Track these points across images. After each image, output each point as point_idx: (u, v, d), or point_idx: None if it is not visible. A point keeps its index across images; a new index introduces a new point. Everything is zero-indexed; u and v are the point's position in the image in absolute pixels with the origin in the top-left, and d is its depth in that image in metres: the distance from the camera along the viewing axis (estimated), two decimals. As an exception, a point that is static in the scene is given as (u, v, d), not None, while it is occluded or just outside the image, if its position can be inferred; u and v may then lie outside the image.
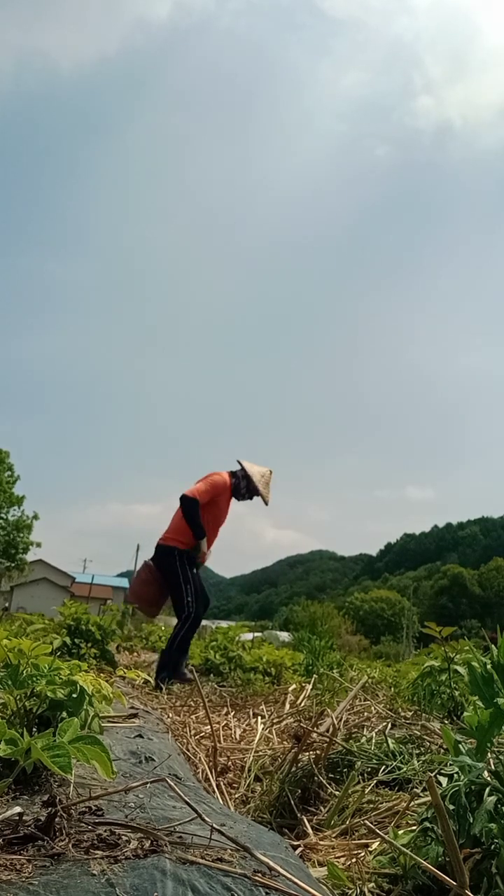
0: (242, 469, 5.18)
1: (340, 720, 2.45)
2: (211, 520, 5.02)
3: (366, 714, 2.90)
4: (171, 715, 3.15)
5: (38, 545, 35.71)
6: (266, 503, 5.29)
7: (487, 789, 1.22)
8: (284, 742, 2.51)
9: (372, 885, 1.26)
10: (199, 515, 4.89)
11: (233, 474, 5.20)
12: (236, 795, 2.02)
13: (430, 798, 1.21)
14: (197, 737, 2.68)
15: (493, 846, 1.15)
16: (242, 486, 5.14)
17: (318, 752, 2.10)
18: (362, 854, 1.42)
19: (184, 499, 4.91)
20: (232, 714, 3.32)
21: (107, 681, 1.80)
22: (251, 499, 5.23)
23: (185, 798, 1.13)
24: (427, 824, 1.28)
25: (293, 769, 2.01)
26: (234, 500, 5.24)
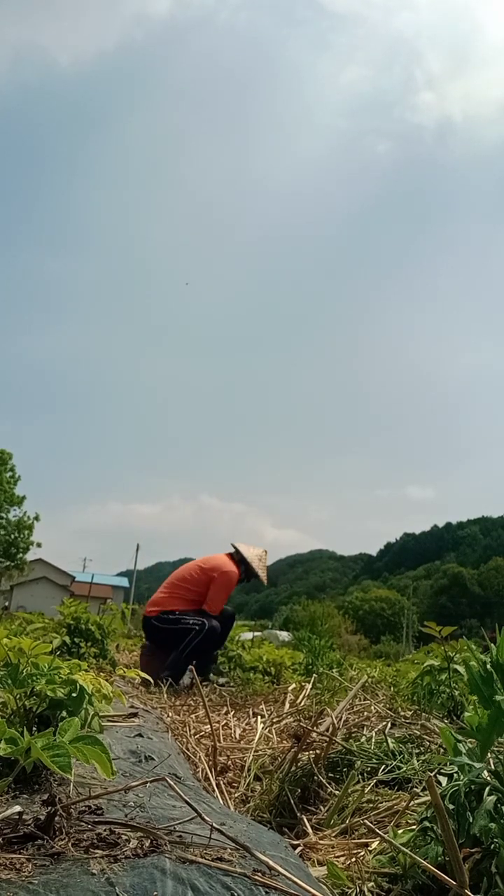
0: (239, 553, 5.34)
1: (340, 720, 2.45)
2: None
3: (365, 713, 2.90)
4: (170, 714, 3.15)
5: (39, 545, 35.73)
6: (265, 583, 5.50)
7: (487, 789, 1.22)
8: (284, 741, 2.51)
9: (371, 884, 1.26)
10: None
11: (233, 559, 5.34)
12: (236, 795, 2.02)
13: (429, 797, 1.21)
14: (197, 736, 2.68)
15: (492, 846, 1.15)
16: (242, 570, 5.30)
17: (317, 751, 2.10)
18: (362, 853, 1.42)
19: (216, 618, 5.04)
20: (232, 713, 3.32)
21: (106, 680, 1.80)
22: (249, 581, 5.42)
23: (185, 797, 1.13)
24: (427, 824, 1.28)
25: (293, 768, 2.01)
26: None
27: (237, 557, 5.31)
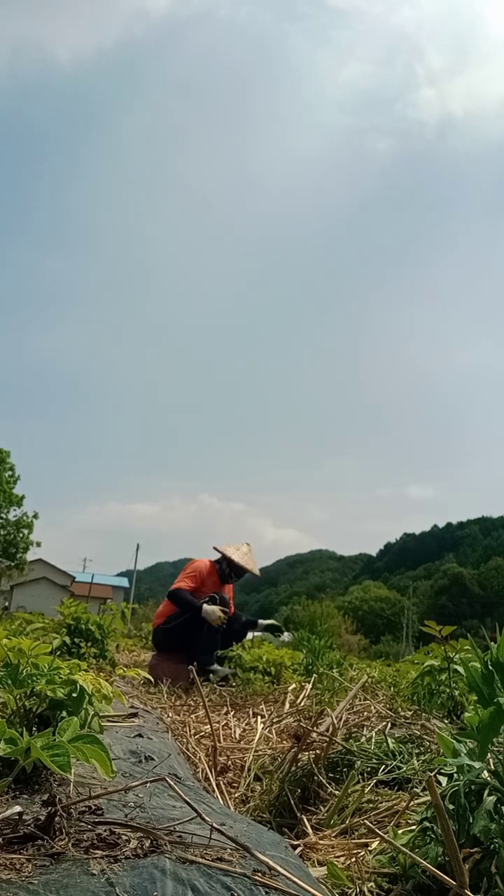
0: (221, 555, 5.42)
1: (340, 720, 2.45)
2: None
3: (365, 713, 2.90)
4: (170, 714, 3.15)
5: (39, 545, 35.74)
6: (256, 574, 5.56)
7: (487, 789, 1.22)
8: (284, 741, 2.51)
9: (371, 884, 1.26)
10: (186, 598, 5.07)
11: (216, 562, 5.44)
12: (236, 795, 2.02)
13: (429, 798, 1.21)
14: (197, 736, 2.68)
15: (492, 846, 1.15)
16: (226, 569, 5.37)
17: (317, 751, 2.10)
18: (362, 853, 1.42)
19: (169, 594, 5.19)
20: (232, 713, 3.32)
21: (106, 680, 1.80)
22: (240, 578, 5.48)
23: (185, 797, 1.13)
24: (427, 824, 1.28)
25: (293, 769, 2.01)
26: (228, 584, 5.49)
27: (221, 559, 5.42)
